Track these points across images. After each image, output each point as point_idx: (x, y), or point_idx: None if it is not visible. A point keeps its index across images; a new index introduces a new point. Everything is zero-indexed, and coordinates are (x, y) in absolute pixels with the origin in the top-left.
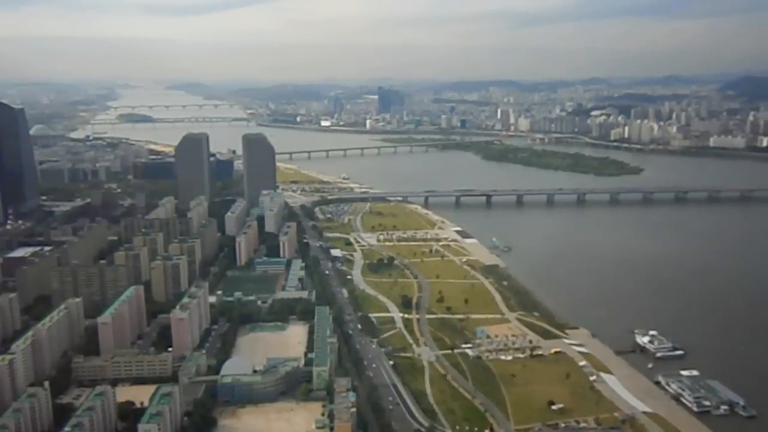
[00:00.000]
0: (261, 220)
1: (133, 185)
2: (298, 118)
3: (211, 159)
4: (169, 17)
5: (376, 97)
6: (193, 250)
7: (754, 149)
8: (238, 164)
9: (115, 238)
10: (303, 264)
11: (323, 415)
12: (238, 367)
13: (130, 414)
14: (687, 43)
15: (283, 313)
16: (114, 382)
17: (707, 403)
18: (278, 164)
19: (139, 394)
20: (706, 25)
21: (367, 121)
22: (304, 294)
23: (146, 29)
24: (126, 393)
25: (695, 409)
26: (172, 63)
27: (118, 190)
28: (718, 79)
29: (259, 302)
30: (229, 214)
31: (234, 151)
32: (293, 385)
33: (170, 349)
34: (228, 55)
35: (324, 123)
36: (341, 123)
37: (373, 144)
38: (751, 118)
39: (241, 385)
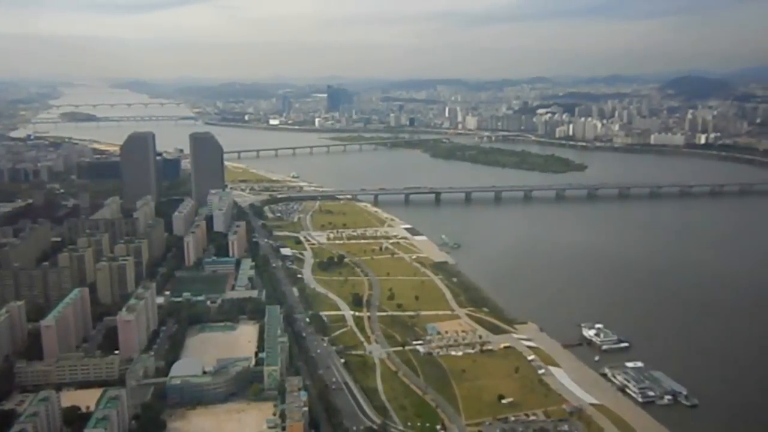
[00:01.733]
0: (209, 219)
1: (76, 185)
2: (247, 117)
3: (158, 158)
4: (113, 15)
5: (325, 95)
6: (140, 250)
7: (692, 146)
8: (186, 163)
9: (59, 239)
10: (253, 263)
11: (275, 414)
12: (187, 368)
13: (76, 419)
14: (629, 44)
15: (233, 313)
16: (58, 387)
17: (651, 393)
18: (226, 163)
19: (85, 399)
20: (647, 26)
21: (316, 120)
22: (254, 293)
23: (89, 26)
24: (71, 398)
25: (640, 399)
26: (116, 61)
27: (61, 191)
28: (658, 79)
29: (209, 302)
30: (176, 213)
31: (181, 150)
32: (244, 386)
33: (117, 351)
34: (174, 53)
35: (272, 122)
36: (290, 122)
37: (323, 142)
38: (689, 116)
39: (190, 387)
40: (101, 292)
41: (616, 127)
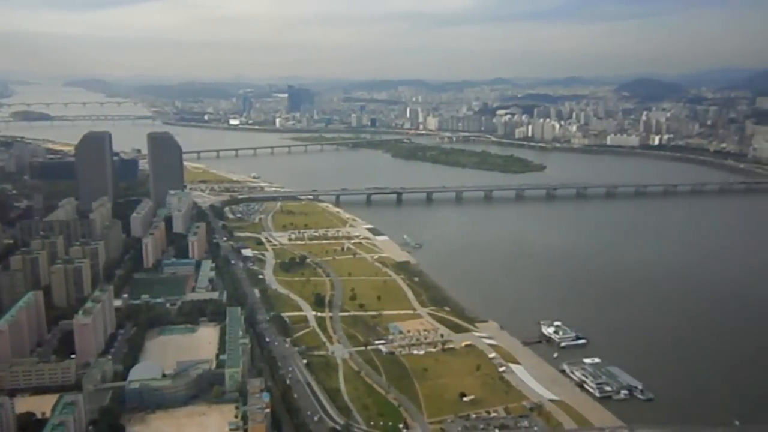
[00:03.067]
0: (169, 220)
1: (29, 186)
2: (206, 117)
3: (115, 158)
4: (68, 11)
5: (286, 95)
6: (96, 252)
7: (646, 147)
8: (144, 164)
9: (11, 241)
10: (213, 264)
11: (237, 417)
12: (146, 371)
13: (31, 425)
14: (586, 47)
15: (194, 315)
16: (12, 393)
17: (608, 388)
18: (186, 163)
19: (41, 404)
20: (604, 29)
21: (277, 120)
22: (215, 295)
23: (43, 23)
24: (26, 404)
25: (597, 394)
26: (71, 59)
27: (14, 192)
28: (614, 81)
29: (168, 304)
30: (134, 214)
31: (139, 150)
32: (205, 388)
33: (73, 356)
34: (131, 51)
35: (233, 122)
36: (250, 122)
37: (284, 143)
38: (644, 117)
39: (149, 390)
40: (56, 296)
41: (574, 129)
